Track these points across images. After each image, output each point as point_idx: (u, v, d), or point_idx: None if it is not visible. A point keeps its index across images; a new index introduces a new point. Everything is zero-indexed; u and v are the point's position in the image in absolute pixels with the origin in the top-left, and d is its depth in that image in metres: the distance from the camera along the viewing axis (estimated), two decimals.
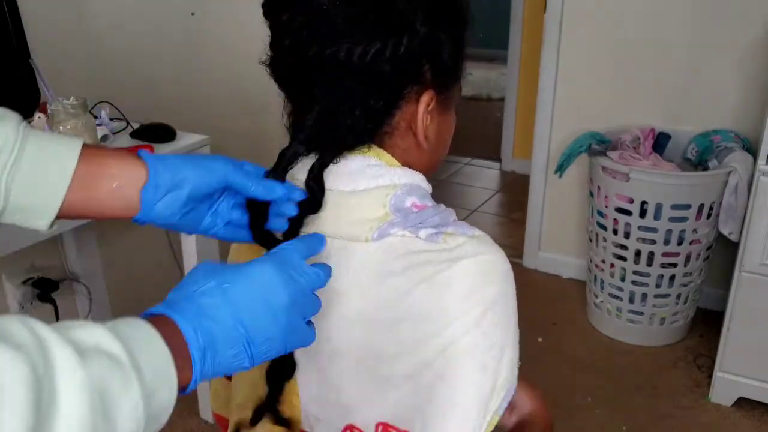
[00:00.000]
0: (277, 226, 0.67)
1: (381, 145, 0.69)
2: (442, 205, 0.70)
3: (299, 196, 0.66)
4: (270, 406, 0.70)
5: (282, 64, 0.67)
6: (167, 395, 0.47)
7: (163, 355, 0.47)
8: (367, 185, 0.67)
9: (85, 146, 0.58)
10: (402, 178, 0.68)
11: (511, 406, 0.69)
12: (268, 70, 0.68)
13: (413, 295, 0.64)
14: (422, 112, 0.68)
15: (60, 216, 0.58)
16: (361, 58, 0.62)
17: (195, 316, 0.51)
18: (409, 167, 0.70)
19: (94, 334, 0.44)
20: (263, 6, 0.67)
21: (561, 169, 2.37)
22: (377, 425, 0.69)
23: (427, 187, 0.71)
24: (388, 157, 0.69)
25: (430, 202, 0.69)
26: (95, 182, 0.58)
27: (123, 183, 0.59)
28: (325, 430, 0.72)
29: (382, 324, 0.66)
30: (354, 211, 0.67)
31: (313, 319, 0.63)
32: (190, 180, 0.61)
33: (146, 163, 0.60)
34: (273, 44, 0.67)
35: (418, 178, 0.70)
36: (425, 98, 0.67)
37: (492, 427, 0.65)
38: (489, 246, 0.66)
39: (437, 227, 0.67)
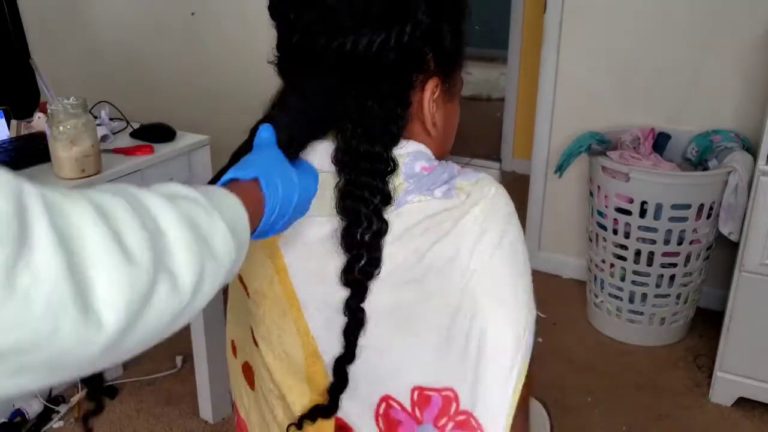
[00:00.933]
0: None
1: None
2: (444, 161, 0.74)
3: None
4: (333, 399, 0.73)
5: (291, 61, 0.69)
6: (243, 229, 0.55)
7: (235, 201, 0.56)
8: None
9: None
10: (407, 147, 0.71)
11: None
12: (276, 69, 0.70)
13: (433, 250, 0.67)
14: (428, 99, 0.70)
15: None
16: (367, 49, 0.64)
17: (275, 190, 0.62)
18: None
19: (170, 186, 0.52)
20: (270, 7, 0.69)
21: (561, 169, 2.37)
22: (412, 390, 0.71)
23: (432, 156, 0.74)
24: None
25: (436, 163, 0.72)
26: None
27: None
28: (359, 408, 0.73)
29: (408, 282, 0.68)
30: None
31: (334, 292, 0.69)
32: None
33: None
34: (281, 43, 0.69)
35: (422, 147, 0.72)
36: (430, 85, 0.70)
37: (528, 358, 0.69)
38: (489, 187, 0.71)
39: (449, 182, 0.70)
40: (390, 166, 0.67)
